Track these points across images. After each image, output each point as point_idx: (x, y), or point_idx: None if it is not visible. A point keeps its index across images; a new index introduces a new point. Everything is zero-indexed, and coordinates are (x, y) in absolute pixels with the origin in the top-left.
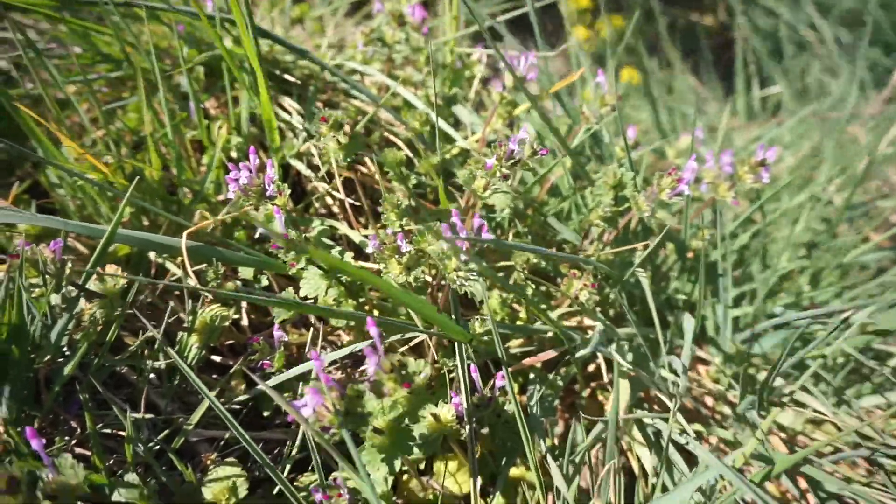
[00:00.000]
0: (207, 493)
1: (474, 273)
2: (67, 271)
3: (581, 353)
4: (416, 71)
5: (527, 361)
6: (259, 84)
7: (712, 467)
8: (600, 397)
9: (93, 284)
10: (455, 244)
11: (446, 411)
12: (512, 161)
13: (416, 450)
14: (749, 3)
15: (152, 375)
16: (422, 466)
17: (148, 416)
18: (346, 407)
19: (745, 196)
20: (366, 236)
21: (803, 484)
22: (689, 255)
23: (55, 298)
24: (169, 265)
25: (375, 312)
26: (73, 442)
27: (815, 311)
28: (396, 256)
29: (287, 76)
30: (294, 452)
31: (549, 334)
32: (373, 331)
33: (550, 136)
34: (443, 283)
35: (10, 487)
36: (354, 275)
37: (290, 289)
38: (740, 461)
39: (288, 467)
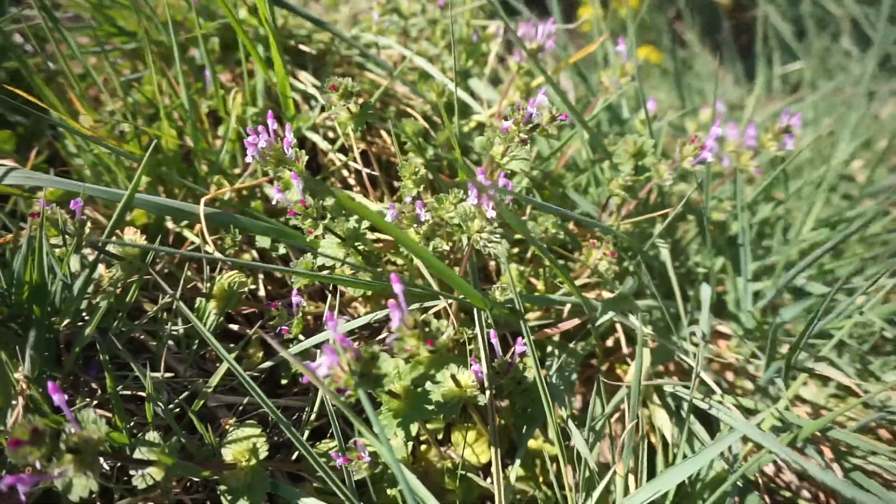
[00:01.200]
0: (227, 453)
1: (497, 236)
2: (87, 231)
3: (601, 320)
4: (432, 45)
5: (547, 331)
6: (273, 52)
7: (736, 430)
8: (619, 371)
9: (112, 247)
10: (482, 202)
11: (466, 377)
12: (530, 125)
13: (434, 415)
14: None
15: (170, 343)
16: (440, 436)
17: (167, 376)
18: (362, 369)
19: (767, 172)
20: (384, 209)
21: (829, 454)
22: (711, 228)
23: (74, 262)
24: (186, 234)
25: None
26: (94, 403)
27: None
28: (415, 226)
29: (302, 47)
30: (312, 419)
31: (568, 307)
32: (397, 287)
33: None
34: (459, 256)
35: (33, 438)
36: (378, 224)
37: (309, 255)
38: (766, 425)
39: (306, 434)
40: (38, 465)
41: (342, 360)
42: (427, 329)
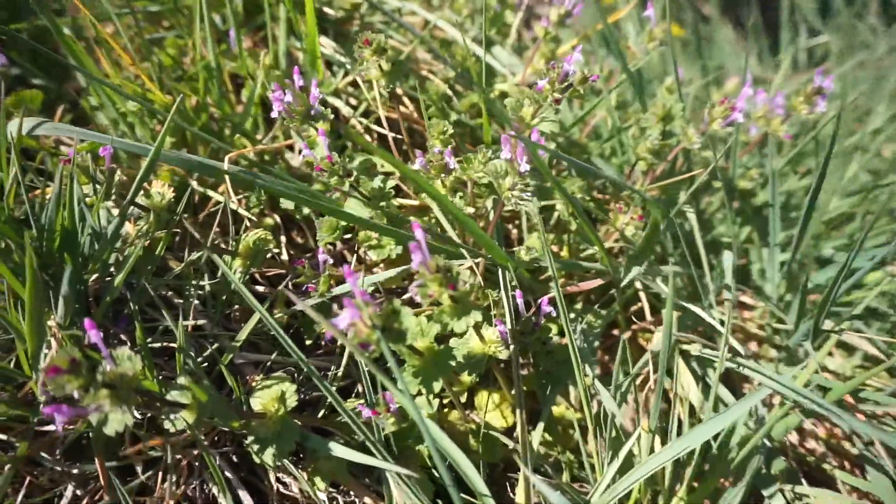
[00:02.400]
0: (256, 403)
1: (528, 193)
2: (117, 179)
3: (629, 276)
4: (455, 13)
5: (572, 289)
6: (309, 14)
7: (766, 386)
8: (641, 340)
9: (141, 200)
10: (516, 156)
11: (490, 332)
12: (565, 84)
13: (459, 371)
14: None
15: (195, 301)
16: (463, 399)
17: (195, 326)
18: (384, 323)
19: (790, 144)
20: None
21: (862, 417)
22: (735, 204)
23: (103, 214)
24: (211, 194)
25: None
26: None
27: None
28: (443, 176)
29: (326, 9)
30: (340, 374)
31: (591, 273)
32: (418, 232)
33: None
34: (482, 224)
35: (72, 367)
36: (405, 173)
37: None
38: (803, 378)
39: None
40: (75, 396)
41: (364, 314)
42: (449, 273)
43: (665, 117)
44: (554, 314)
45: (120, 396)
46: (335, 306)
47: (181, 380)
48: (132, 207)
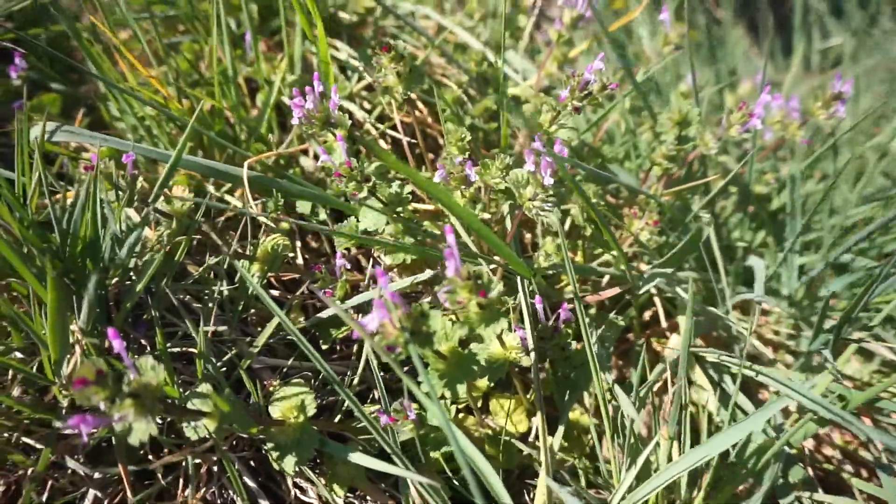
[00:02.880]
0: (275, 410)
1: (550, 204)
2: (139, 186)
3: (646, 287)
4: (468, 17)
5: (589, 298)
6: (317, 25)
7: (785, 396)
8: (656, 345)
9: (161, 205)
10: (538, 168)
11: (511, 338)
12: (586, 92)
13: (480, 376)
14: None
15: (212, 306)
16: (479, 405)
17: (215, 332)
18: (412, 325)
19: (807, 151)
20: (428, 177)
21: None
22: (751, 209)
23: (123, 220)
24: (228, 198)
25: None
26: None
27: None
28: (462, 188)
29: (341, 13)
30: (356, 381)
31: (607, 278)
32: (450, 238)
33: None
34: (496, 228)
35: (98, 379)
36: (424, 186)
37: (352, 218)
38: (820, 388)
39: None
40: (100, 406)
41: (393, 316)
42: (480, 281)
43: (681, 122)
44: (572, 320)
45: (144, 406)
46: (351, 310)
47: (202, 387)
48: (152, 212)
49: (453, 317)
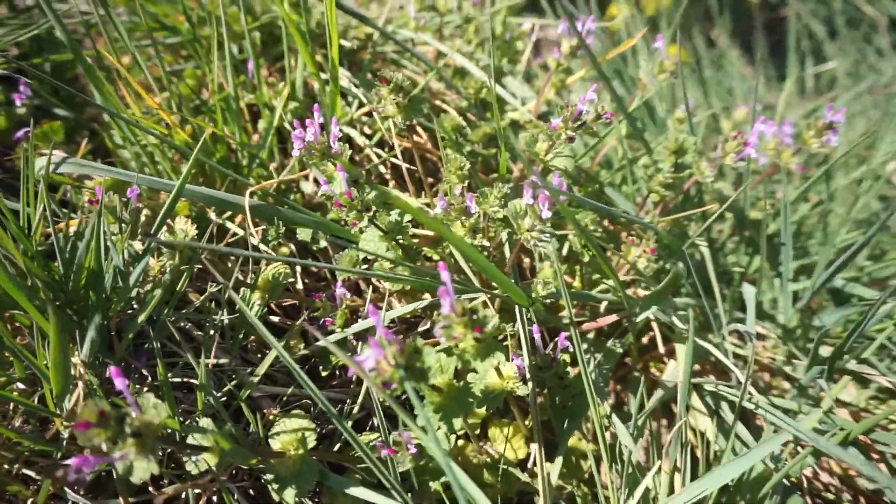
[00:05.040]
0: (275, 443)
1: (547, 235)
2: (143, 218)
3: (642, 315)
4: (466, 43)
5: (586, 326)
6: (332, 52)
7: (784, 430)
8: (654, 370)
9: (163, 236)
10: (537, 201)
11: (508, 368)
12: (579, 122)
13: (477, 406)
14: None
15: (213, 333)
16: (477, 432)
17: (214, 363)
18: (406, 361)
19: (801, 175)
20: (426, 203)
21: (876, 455)
22: (746, 233)
23: (129, 250)
24: (229, 225)
25: (428, 279)
26: (144, 390)
27: None
28: (463, 218)
29: (342, 41)
30: (355, 411)
31: (604, 305)
32: (444, 274)
33: (604, 105)
34: (496, 254)
35: (101, 420)
36: (424, 222)
37: (353, 246)
38: (811, 424)
39: (348, 426)
40: (102, 447)
41: (388, 353)
42: (475, 317)
43: (677, 150)
44: (571, 349)
45: (146, 445)
46: (351, 337)
47: (203, 422)
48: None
49: (452, 347)
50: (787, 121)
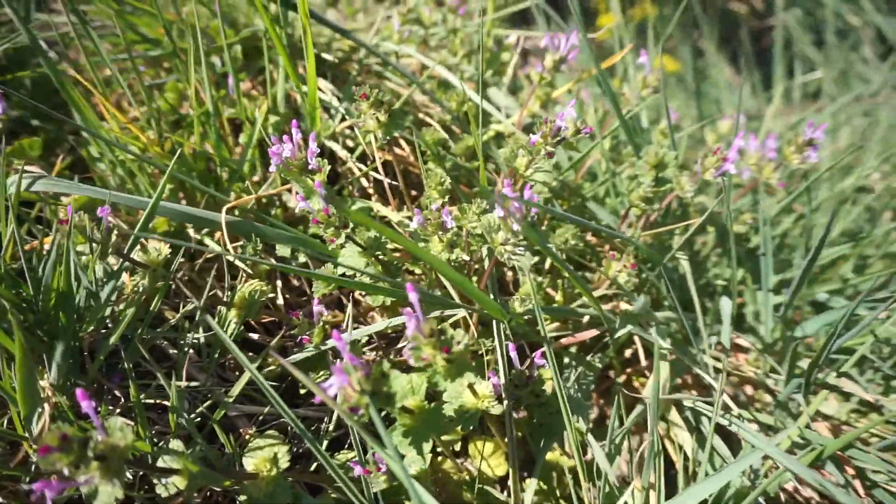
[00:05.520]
0: (248, 463)
1: (521, 248)
2: (113, 238)
3: (620, 333)
4: (451, 54)
5: (565, 341)
6: (309, 66)
7: (758, 449)
8: (636, 383)
9: (137, 255)
10: (508, 214)
11: (483, 387)
12: (557, 139)
13: (451, 427)
14: None
15: (191, 351)
16: (457, 447)
17: (189, 384)
18: (373, 387)
19: (786, 186)
20: (407, 217)
21: (851, 471)
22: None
23: (99, 268)
24: (207, 241)
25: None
26: (117, 411)
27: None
28: (440, 233)
29: (323, 55)
30: (331, 429)
31: (586, 318)
32: (412, 295)
33: (588, 119)
34: (478, 267)
35: (62, 445)
36: (398, 242)
37: (329, 265)
38: (786, 443)
39: (325, 444)
40: (65, 472)
41: (352, 380)
42: (443, 337)
43: (658, 165)
44: (547, 366)
45: (111, 469)
46: (331, 354)
47: (174, 444)
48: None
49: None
50: (772, 134)
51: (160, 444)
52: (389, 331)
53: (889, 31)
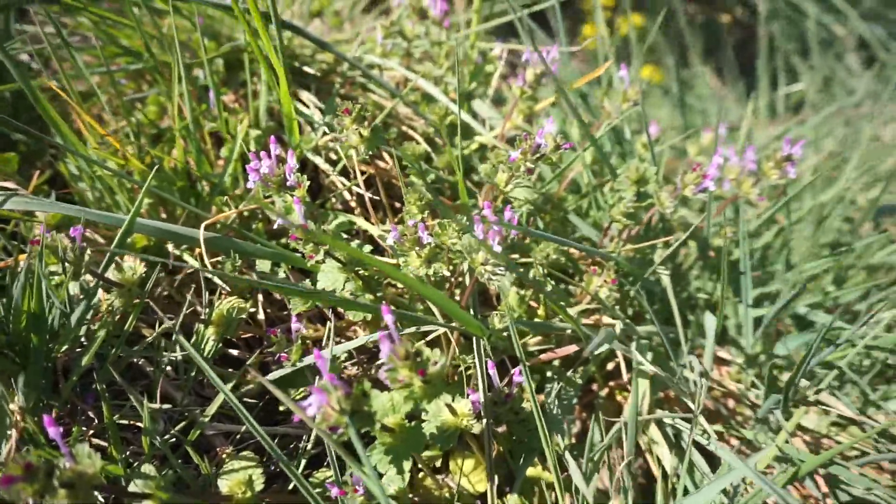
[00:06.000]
0: (223, 485)
1: (502, 268)
2: (87, 258)
3: (599, 349)
4: (436, 66)
5: (545, 356)
6: (280, 78)
7: (736, 469)
8: (619, 397)
9: (111, 274)
10: (487, 236)
11: (463, 406)
12: (537, 155)
13: (431, 446)
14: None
15: (168, 368)
16: (438, 464)
17: (164, 406)
18: (352, 406)
19: (767, 196)
20: (386, 231)
21: (824, 487)
22: (711, 254)
23: (73, 287)
24: (187, 257)
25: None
26: (90, 432)
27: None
28: (417, 248)
29: (306, 68)
30: (310, 447)
31: (568, 332)
32: (388, 317)
33: (572, 131)
34: (460, 279)
35: (27, 474)
36: (373, 265)
37: (307, 281)
38: (764, 462)
39: (304, 462)
40: (30, 502)
41: (332, 399)
42: (419, 359)
43: (639, 180)
44: (525, 384)
45: (78, 496)
46: (311, 371)
47: (145, 467)
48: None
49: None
50: (750, 146)
51: (135, 466)
52: (371, 345)
53: (872, 40)
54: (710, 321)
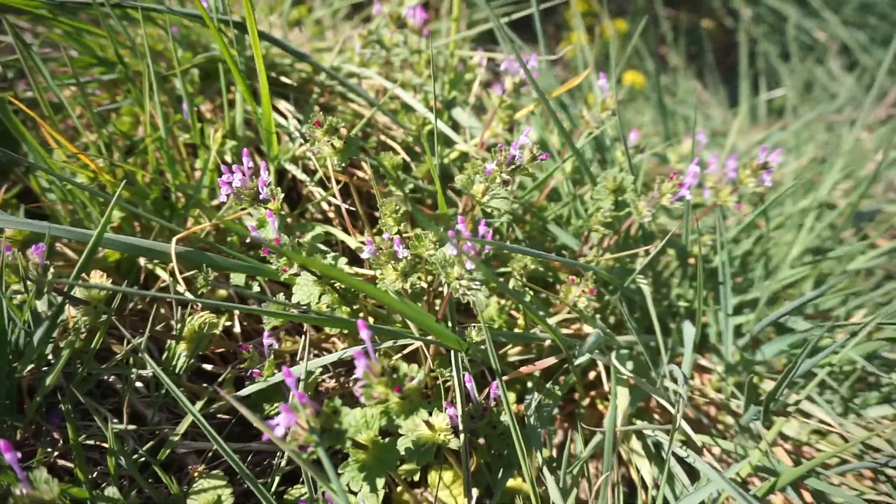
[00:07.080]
0: None
1: (477, 283)
2: (50, 277)
3: (579, 360)
4: (415, 74)
5: (524, 369)
6: (262, 89)
7: (714, 481)
8: (600, 406)
9: (78, 291)
10: (461, 252)
11: (441, 420)
12: (513, 167)
13: (406, 461)
14: (753, 4)
15: (139, 384)
16: (416, 478)
17: (133, 427)
18: (322, 424)
19: (749, 200)
20: (362, 242)
21: (808, 497)
22: (691, 261)
23: (42, 304)
24: (159, 272)
25: (370, 319)
26: (56, 454)
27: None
28: (392, 262)
29: (284, 79)
30: (283, 464)
31: (548, 342)
32: (363, 333)
33: (553, 139)
34: (440, 289)
35: None
36: (347, 282)
37: (281, 295)
38: (744, 472)
39: (277, 479)
40: None
41: (300, 418)
42: (395, 375)
43: (617, 189)
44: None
45: None
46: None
47: (109, 490)
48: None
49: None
50: (732, 154)
51: (102, 487)
52: (349, 358)
53: (853, 44)
54: (688, 331)
